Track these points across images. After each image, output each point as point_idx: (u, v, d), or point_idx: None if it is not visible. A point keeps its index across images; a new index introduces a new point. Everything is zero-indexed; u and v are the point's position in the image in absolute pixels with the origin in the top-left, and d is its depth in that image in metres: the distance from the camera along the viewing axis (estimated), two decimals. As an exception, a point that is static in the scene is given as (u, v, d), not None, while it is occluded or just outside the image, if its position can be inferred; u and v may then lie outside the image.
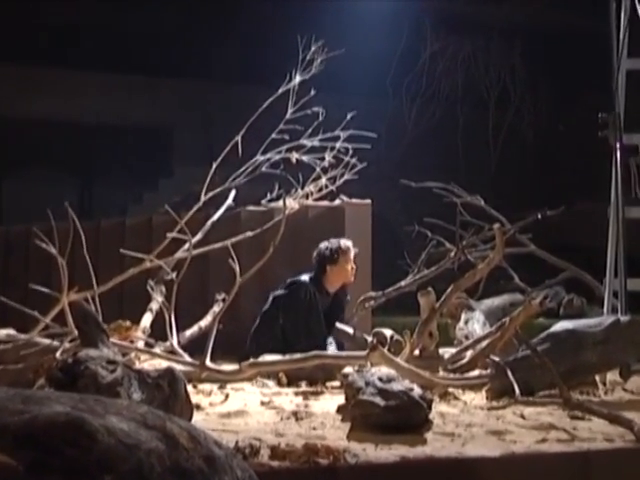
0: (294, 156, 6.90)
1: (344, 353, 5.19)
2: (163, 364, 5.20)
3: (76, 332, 4.96)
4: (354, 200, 7.38)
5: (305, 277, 6.34)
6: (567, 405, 4.36)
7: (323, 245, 6.38)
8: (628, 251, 5.44)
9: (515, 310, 5.69)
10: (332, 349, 6.19)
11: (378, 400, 3.98)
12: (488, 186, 11.08)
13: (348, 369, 4.66)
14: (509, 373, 4.76)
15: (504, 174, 12.64)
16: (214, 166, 6.67)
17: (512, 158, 12.93)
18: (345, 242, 6.36)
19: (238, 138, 6.61)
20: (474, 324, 6.95)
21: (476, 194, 8.94)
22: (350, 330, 6.40)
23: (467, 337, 6.71)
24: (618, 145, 5.52)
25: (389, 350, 5.58)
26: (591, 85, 12.36)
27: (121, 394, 3.43)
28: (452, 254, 6.74)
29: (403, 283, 7.21)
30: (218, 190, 6.90)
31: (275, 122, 6.84)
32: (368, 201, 7.22)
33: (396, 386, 4.07)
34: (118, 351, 4.24)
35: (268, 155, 6.90)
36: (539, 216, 7.06)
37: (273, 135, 6.80)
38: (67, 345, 5.21)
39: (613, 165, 5.63)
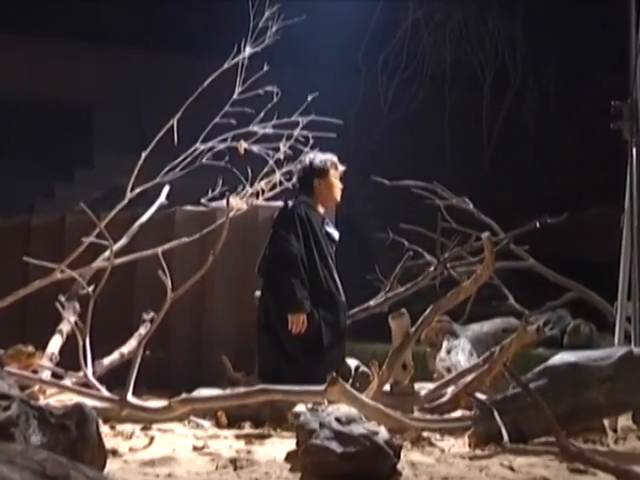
0: (242, 145, 6.92)
1: (297, 388, 5.21)
2: (75, 399, 5.18)
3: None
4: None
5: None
6: (565, 455, 4.41)
7: (308, 157, 6.45)
8: None
9: (509, 337, 5.75)
10: None
11: (334, 446, 4.01)
12: (479, 186, 11.17)
13: (300, 407, 4.68)
14: (496, 415, 4.81)
15: (500, 171, 12.75)
16: (143, 155, 6.67)
17: (510, 152, 13.04)
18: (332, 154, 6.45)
19: (174, 122, 6.61)
20: (458, 354, 7.02)
21: (464, 195, 9.00)
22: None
23: (449, 370, 6.78)
24: (634, 139, 5.58)
25: (353, 384, 5.62)
26: (607, 64, 12.54)
27: (16, 437, 3.41)
28: (432, 268, 6.79)
29: (372, 303, 7.28)
30: (148, 185, 6.89)
31: (220, 103, 6.85)
32: (332, 202, 7.25)
33: (357, 429, 4.10)
34: (15, 383, 4.21)
35: (210, 143, 6.92)
36: (538, 224, 7.13)
37: (217, 119, 6.81)
38: (-47, 374, 5.16)
39: (628, 163, 5.70)
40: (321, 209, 6.39)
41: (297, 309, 6.01)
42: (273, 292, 6.14)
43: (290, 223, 6.14)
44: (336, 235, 6.42)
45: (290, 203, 6.29)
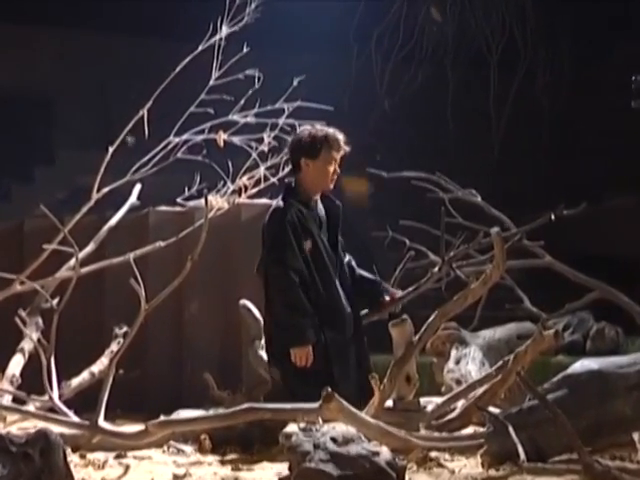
0: (221, 137, 6.93)
1: (288, 406, 5.22)
2: (39, 426, 5.19)
3: None
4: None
5: (279, 201, 5.97)
6: (589, 474, 4.43)
7: (304, 130, 6.04)
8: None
9: (524, 344, 5.77)
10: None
11: (330, 469, 4.04)
12: (488, 176, 11.21)
13: (292, 427, 4.70)
14: (512, 431, 4.82)
15: (511, 158, 12.77)
16: (111, 150, 6.68)
17: (522, 137, 13.07)
18: (337, 131, 6.02)
19: (144, 112, 6.63)
20: (468, 364, 7.04)
21: (471, 187, 9.03)
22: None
23: (459, 382, 6.79)
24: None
25: (351, 401, 5.63)
26: (628, 35, 12.53)
27: (-27, 469, 3.41)
28: (436, 269, 6.81)
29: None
30: (117, 184, 6.90)
31: (195, 91, 6.86)
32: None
33: (355, 449, 4.12)
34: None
35: (186, 136, 6.94)
36: (552, 217, 7.14)
37: (192, 108, 6.83)
38: None
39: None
40: (311, 195, 6.01)
41: (300, 342, 5.77)
42: (273, 321, 5.95)
43: (282, 239, 5.82)
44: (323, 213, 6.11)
45: (278, 205, 5.96)
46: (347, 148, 6.05)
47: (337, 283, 6.02)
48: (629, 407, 4.95)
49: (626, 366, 5.04)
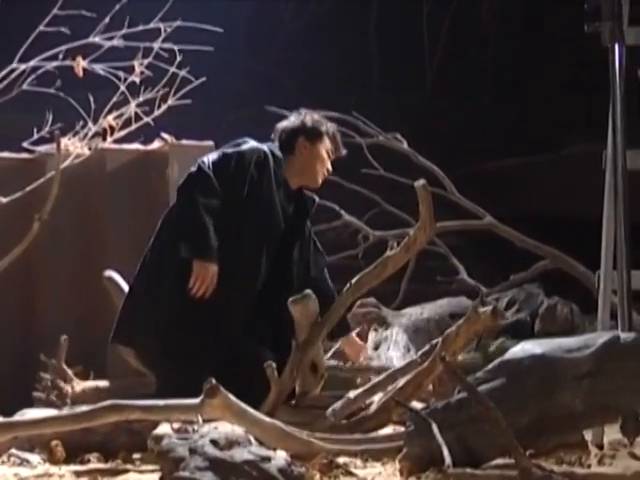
0: (80, 64, 6.88)
1: (161, 402, 5.20)
2: None
3: None
4: (185, 141, 7.47)
5: (261, 144, 6.27)
6: (527, 481, 4.49)
7: (300, 114, 6.38)
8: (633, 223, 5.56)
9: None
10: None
11: (208, 478, 4.04)
12: (417, 117, 11.28)
13: (164, 427, 4.70)
14: (436, 430, 4.87)
15: (446, 98, 12.87)
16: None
17: (461, 71, 13.15)
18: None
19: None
20: (389, 349, 7.11)
21: (396, 130, 9.08)
22: None
23: (377, 371, 6.85)
24: (617, 46, 5.64)
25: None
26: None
27: None
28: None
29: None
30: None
31: (47, 6, 6.80)
32: (210, 142, 7.27)
33: (240, 454, 4.15)
34: None
35: (33, 62, 6.87)
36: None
37: (41, 27, 6.76)
38: None
39: (610, 81, 5.76)
40: (291, 185, 6.30)
41: (205, 254, 5.91)
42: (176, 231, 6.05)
43: (223, 166, 6.09)
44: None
45: (259, 146, 6.22)
46: (344, 152, 6.45)
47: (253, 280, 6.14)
48: (579, 400, 5.00)
49: (575, 350, 5.08)
